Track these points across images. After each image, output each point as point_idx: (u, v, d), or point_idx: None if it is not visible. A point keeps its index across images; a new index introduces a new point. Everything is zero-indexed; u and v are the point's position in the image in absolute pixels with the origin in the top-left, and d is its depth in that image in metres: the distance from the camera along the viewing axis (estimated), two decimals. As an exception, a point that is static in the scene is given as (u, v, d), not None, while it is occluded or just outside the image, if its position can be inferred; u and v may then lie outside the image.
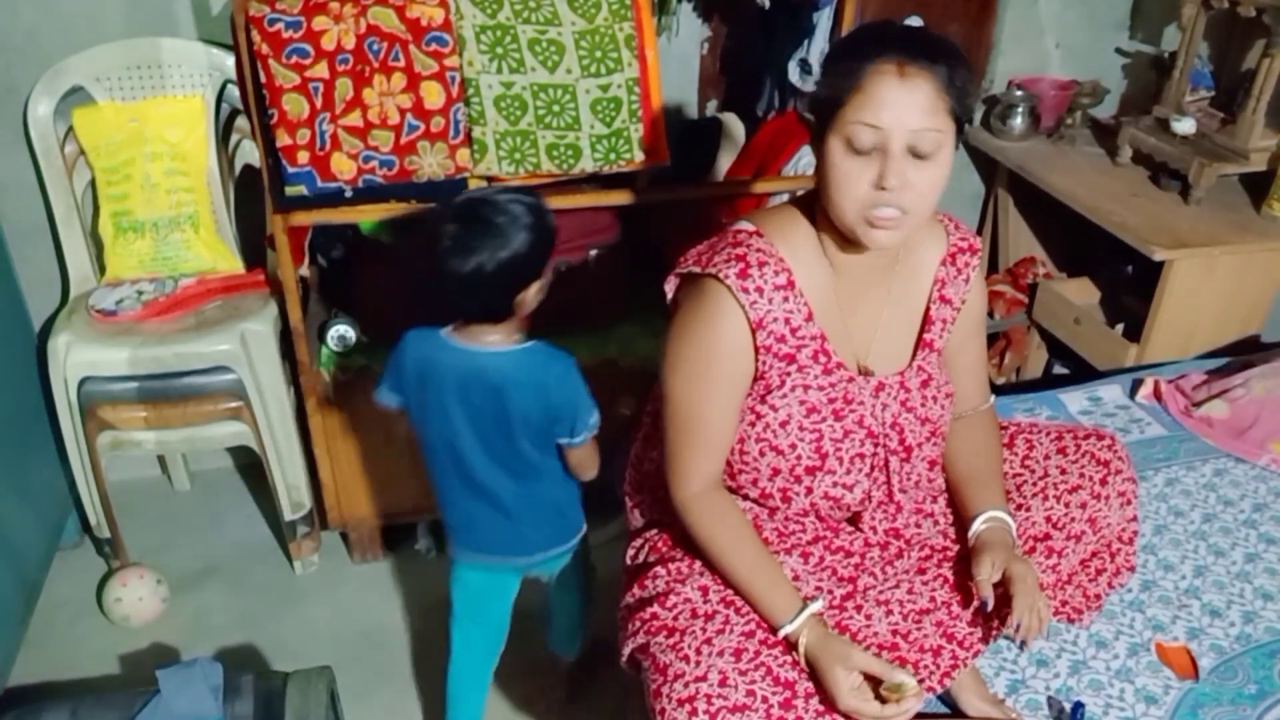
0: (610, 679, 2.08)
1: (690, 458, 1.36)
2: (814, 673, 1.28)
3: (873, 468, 1.39)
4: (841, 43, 1.26)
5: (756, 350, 1.32)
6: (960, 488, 1.48)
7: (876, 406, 1.37)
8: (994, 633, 1.40)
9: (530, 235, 1.49)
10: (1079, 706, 1.42)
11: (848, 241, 1.29)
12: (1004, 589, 1.34)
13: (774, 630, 1.31)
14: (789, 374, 1.33)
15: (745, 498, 1.43)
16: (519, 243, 1.48)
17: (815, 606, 1.31)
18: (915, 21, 1.29)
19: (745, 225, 1.35)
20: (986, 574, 1.34)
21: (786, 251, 1.31)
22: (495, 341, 1.56)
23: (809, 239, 1.34)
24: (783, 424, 1.34)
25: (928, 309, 1.42)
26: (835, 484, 1.38)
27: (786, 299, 1.30)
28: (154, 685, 1.54)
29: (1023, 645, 1.53)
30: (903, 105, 1.18)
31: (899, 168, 1.19)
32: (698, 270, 1.32)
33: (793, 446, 1.35)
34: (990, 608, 1.35)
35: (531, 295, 1.55)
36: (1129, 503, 1.56)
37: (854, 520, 1.45)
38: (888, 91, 1.18)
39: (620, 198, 2.13)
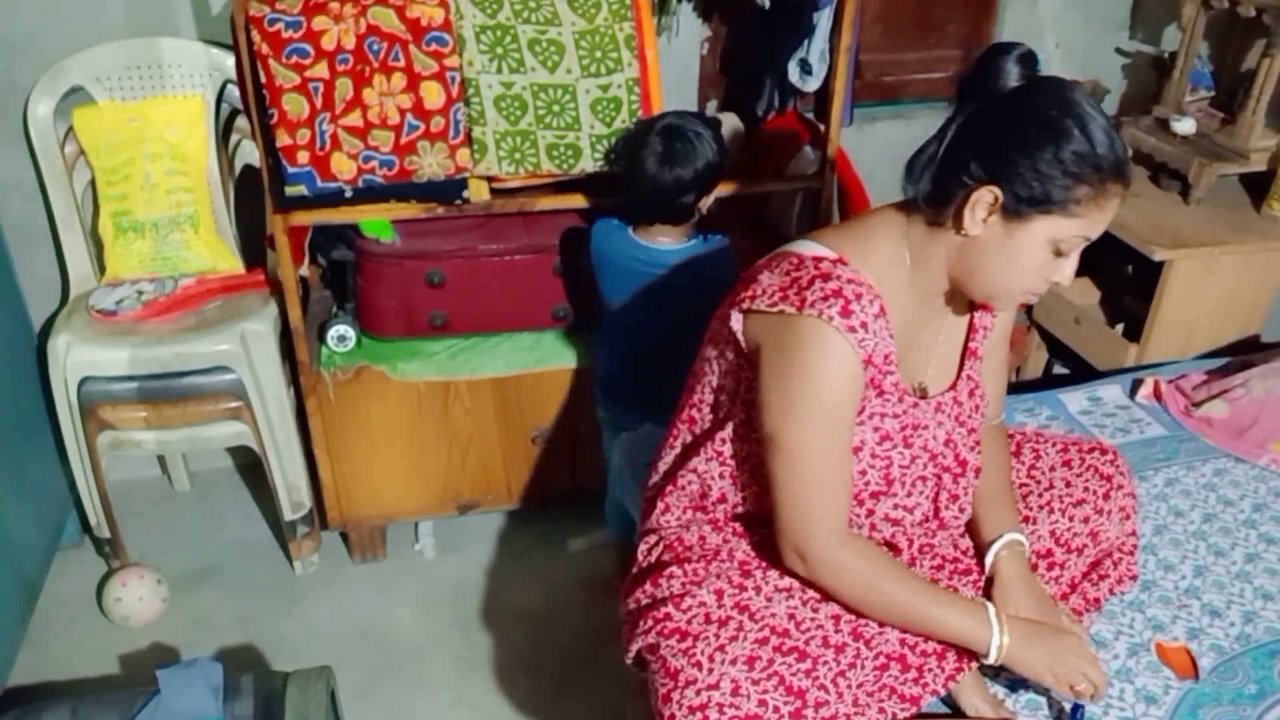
0: (611, 679, 2.08)
1: (827, 505, 1.29)
2: (1024, 667, 1.33)
3: (932, 489, 1.39)
4: (1083, 141, 1.16)
5: (865, 384, 1.28)
6: (975, 505, 1.47)
7: (934, 426, 1.36)
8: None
9: (717, 147, 1.90)
10: (1078, 707, 1.41)
11: (951, 287, 1.30)
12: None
13: (980, 654, 1.32)
14: (870, 401, 1.30)
15: None
16: (711, 154, 1.88)
17: (990, 606, 1.34)
18: (1027, 53, 1.25)
19: (823, 251, 1.28)
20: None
21: (873, 278, 1.26)
22: (667, 241, 1.94)
23: (891, 263, 1.29)
24: (855, 450, 1.31)
25: (972, 319, 1.42)
26: (896, 506, 1.37)
27: (880, 329, 1.25)
28: (154, 685, 1.54)
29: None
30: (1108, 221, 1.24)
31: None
32: (790, 311, 1.23)
33: (862, 473, 1.33)
34: None
35: (709, 202, 1.95)
36: (1128, 517, 1.58)
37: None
38: (1112, 214, 1.22)
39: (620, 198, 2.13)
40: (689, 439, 1.47)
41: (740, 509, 1.44)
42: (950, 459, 1.38)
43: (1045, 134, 1.17)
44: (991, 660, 1.32)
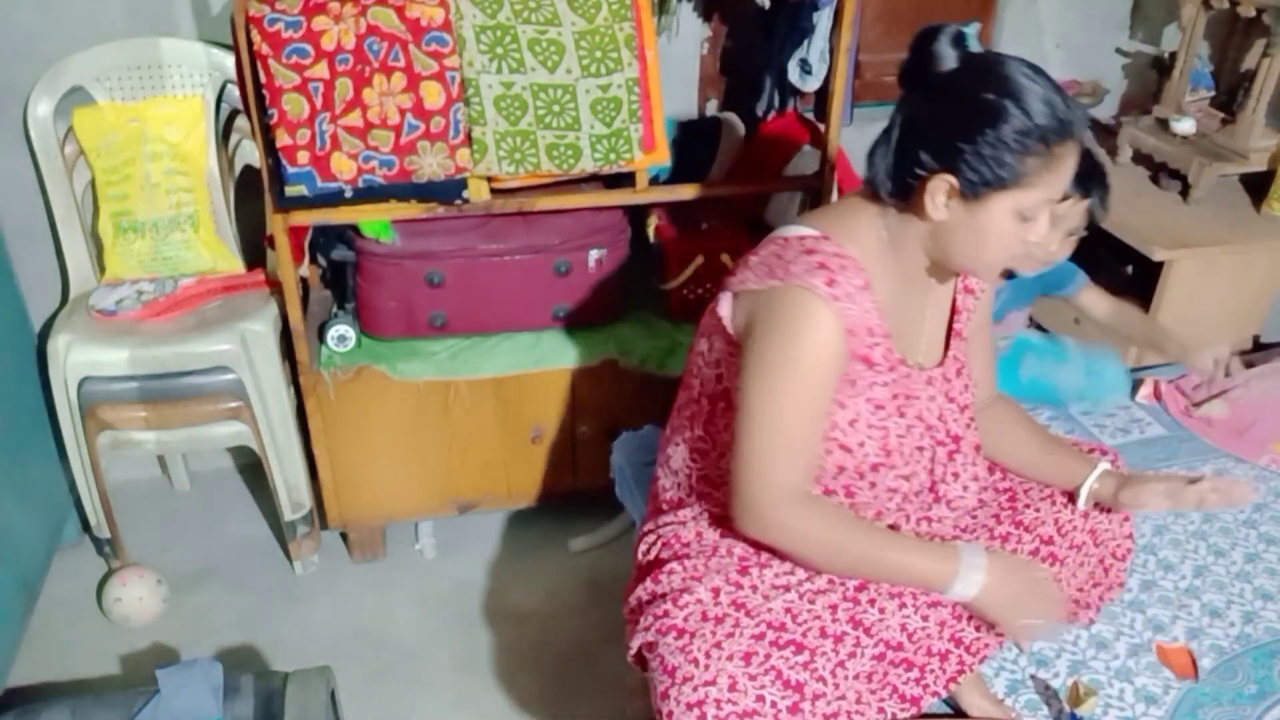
0: (611, 679, 2.08)
1: (784, 464, 1.29)
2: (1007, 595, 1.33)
3: (929, 460, 1.41)
4: (1021, 117, 1.18)
5: (848, 355, 1.30)
6: (1038, 462, 1.54)
7: (925, 399, 1.39)
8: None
9: None
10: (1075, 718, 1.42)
11: (932, 262, 1.33)
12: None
13: (944, 589, 1.32)
14: (860, 374, 1.32)
15: None
16: None
17: (966, 546, 1.35)
18: (974, 29, 1.27)
19: (808, 230, 1.31)
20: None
21: (858, 253, 1.29)
22: None
23: (876, 239, 1.32)
24: (851, 422, 1.33)
25: (954, 299, 1.44)
26: (896, 477, 1.39)
27: (865, 300, 1.28)
28: (154, 685, 1.54)
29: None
30: (1070, 177, 1.25)
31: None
32: (777, 284, 1.27)
33: (860, 444, 1.34)
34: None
35: None
36: (1127, 519, 1.58)
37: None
38: (1071, 170, 1.23)
39: (620, 198, 2.14)
40: (689, 433, 1.47)
41: None
42: (943, 433, 1.40)
43: (982, 118, 1.19)
44: (960, 595, 1.32)
